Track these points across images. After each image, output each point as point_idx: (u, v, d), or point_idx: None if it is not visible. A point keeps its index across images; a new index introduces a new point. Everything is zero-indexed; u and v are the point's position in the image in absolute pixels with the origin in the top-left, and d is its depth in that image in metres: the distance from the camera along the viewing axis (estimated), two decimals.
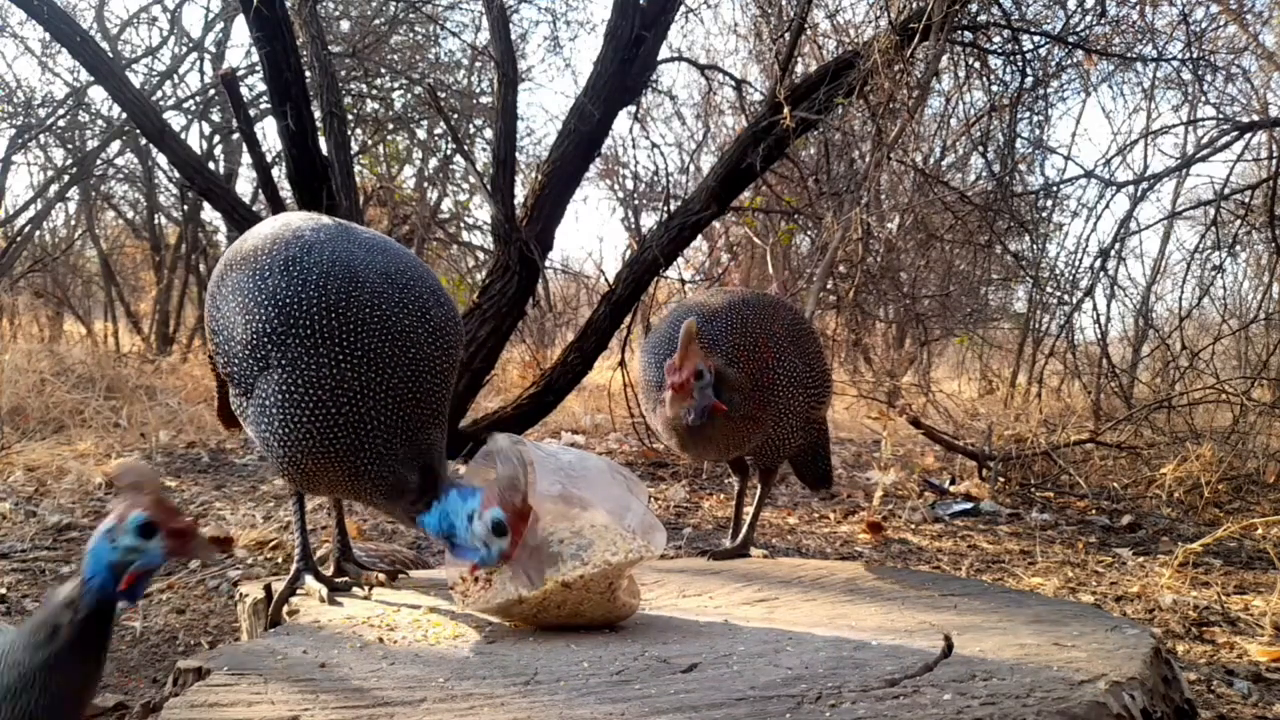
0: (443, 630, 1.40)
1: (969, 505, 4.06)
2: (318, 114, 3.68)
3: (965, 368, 9.66)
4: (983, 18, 4.14)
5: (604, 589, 1.39)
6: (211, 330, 1.57)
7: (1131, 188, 4.94)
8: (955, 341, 8.52)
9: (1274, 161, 4.74)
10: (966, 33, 4.11)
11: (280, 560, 2.77)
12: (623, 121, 4.60)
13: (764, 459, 2.26)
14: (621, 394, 4.77)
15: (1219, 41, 5.11)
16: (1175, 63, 4.53)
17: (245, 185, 8.08)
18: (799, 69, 4.70)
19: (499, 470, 1.35)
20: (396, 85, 7.13)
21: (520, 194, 4.07)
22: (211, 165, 7.34)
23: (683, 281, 7.70)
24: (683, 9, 4.55)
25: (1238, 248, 5.40)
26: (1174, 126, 5.59)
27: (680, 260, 5.52)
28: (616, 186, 8.74)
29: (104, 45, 5.91)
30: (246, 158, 7.18)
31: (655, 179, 7.23)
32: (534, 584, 1.37)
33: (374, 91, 7.16)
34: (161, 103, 6.88)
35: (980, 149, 4.63)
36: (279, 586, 1.64)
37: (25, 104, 6.94)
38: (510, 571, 1.39)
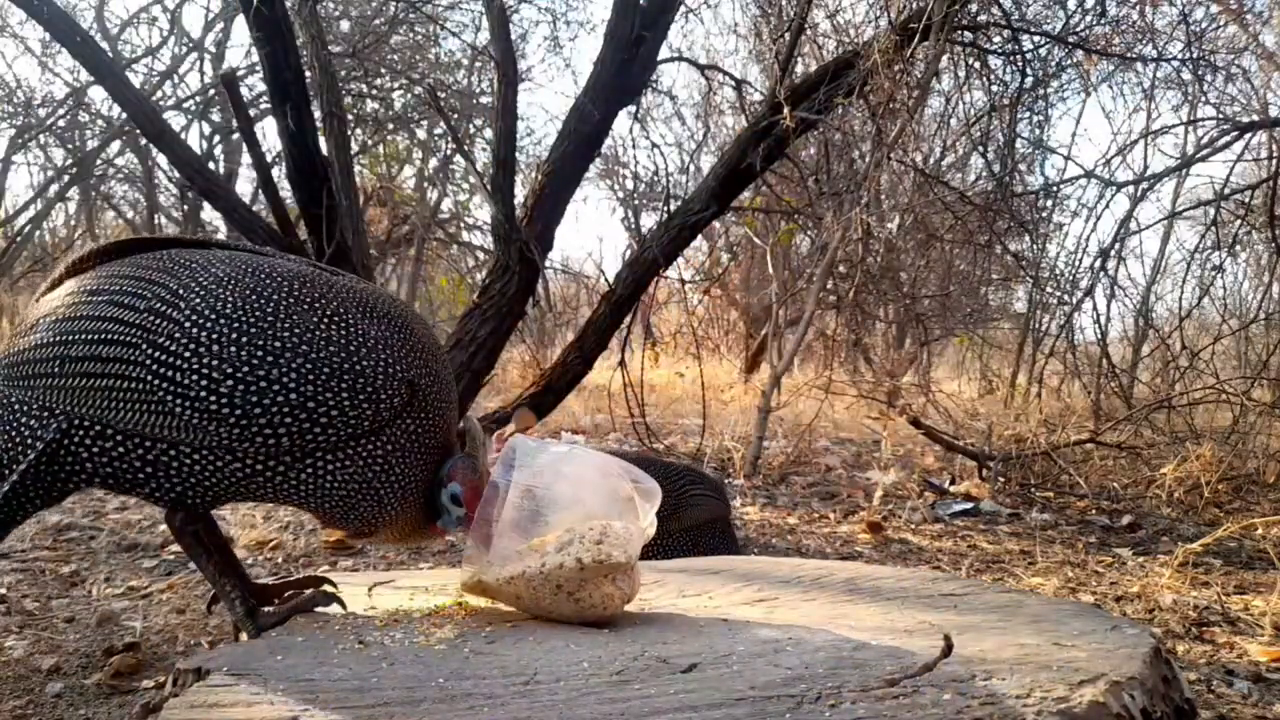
0: (443, 630, 1.40)
1: (969, 505, 4.06)
2: (318, 114, 3.68)
3: (965, 368, 9.67)
4: (983, 18, 4.14)
5: (552, 590, 1.40)
6: (258, 396, 1.30)
7: (1131, 188, 4.94)
8: (955, 341, 8.53)
9: (1274, 161, 4.74)
10: (966, 33, 4.11)
11: (280, 560, 2.77)
12: (623, 121, 4.59)
13: None
14: (621, 394, 4.77)
15: (1219, 41, 5.11)
16: (1175, 63, 4.53)
17: (245, 185, 8.11)
18: (799, 69, 4.70)
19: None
20: (396, 85, 7.14)
21: (520, 194, 4.06)
22: (211, 165, 7.35)
23: (683, 281, 7.72)
24: (683, 9, 4.54)
25: (1238, 248, 5.40)
26: (1174, 126, 5.59)
27: (680, 260, 5.53)
28: (616, 186, 8.76)
29: (104, 45, 5.91)
30: (246, 158, 7.20)
31: (655, 179, 7.23)
32: (489, 563, 1.43)
33: (374, 91, 7.16)
34: (161, 103, 6.88)
35: (980, 149, 4.63)
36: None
37: (25, 104, 6.94)
38: (470, 546, 1.46)
